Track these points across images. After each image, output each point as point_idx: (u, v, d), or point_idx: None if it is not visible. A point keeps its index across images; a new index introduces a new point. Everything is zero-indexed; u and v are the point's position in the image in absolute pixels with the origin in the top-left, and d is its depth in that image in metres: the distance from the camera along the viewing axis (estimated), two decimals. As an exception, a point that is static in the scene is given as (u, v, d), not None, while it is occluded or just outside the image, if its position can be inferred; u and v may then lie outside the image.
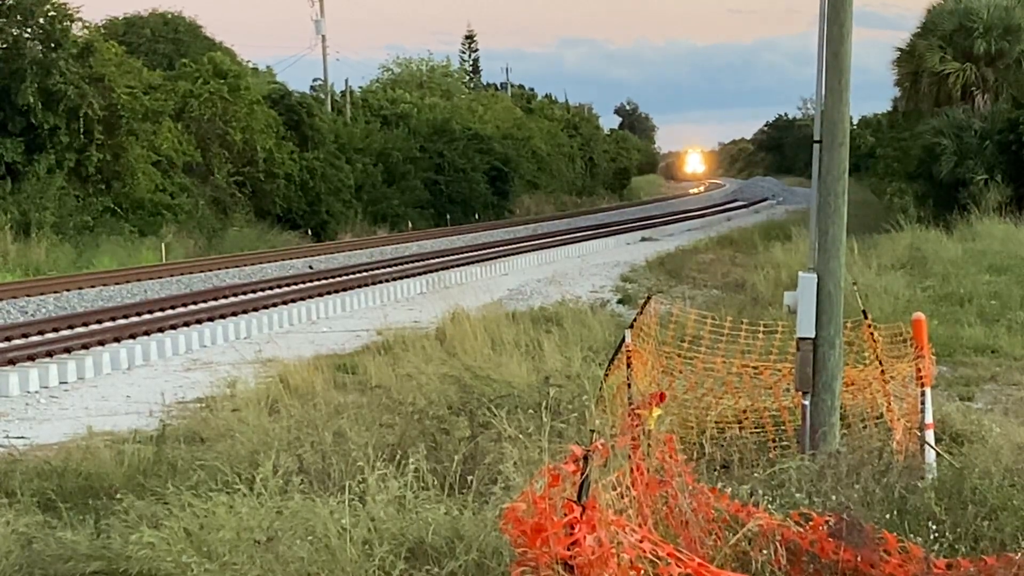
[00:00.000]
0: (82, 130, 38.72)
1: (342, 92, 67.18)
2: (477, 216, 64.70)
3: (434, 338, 16.71)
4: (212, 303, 25.83)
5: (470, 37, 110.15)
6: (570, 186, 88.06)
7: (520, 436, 8.28)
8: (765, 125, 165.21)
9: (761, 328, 10.96)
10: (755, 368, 10.57)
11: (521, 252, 40.77)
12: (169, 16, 60.44)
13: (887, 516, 7.30)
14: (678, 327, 11.23)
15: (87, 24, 41.78)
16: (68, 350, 19.09)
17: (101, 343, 19.89)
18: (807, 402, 9.24)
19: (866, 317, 10.16)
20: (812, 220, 9.52)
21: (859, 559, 6.46)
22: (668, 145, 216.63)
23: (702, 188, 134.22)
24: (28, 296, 26.83)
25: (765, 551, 6.45)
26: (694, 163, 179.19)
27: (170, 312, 24.33)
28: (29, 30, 39.31)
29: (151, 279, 31.29)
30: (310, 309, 25.35)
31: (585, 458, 5.10)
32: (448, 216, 62.33)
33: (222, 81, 48.62)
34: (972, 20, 44.87)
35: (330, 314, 25.68)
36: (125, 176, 41.18)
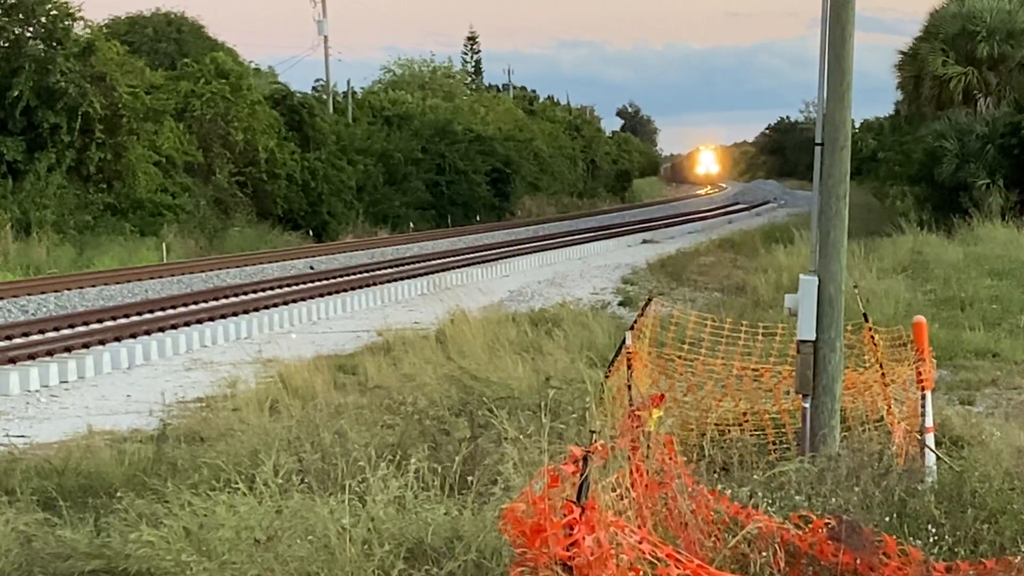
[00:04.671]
0: (82, 129, 38.73)
1: (344, 93, 67.19)
2: (478, 217, 64.68)
3: (434, 339, 16.71)
4: (213, 303, 25.84)
5: (472, 38, 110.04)
6: (571, 188, 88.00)
7: (520, 437, 8.28)
8: (767, 128, 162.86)
9: (761, 331, 10.96)
10: (755, 370, 10.57)
11: (522, 254, 40.76)
12: (172, 16, 60.48)
13: (887, 519, 7.29)
14: (679, 329, 11.23)
15: (89, 23, 41.88)
16: (69, 349, 19.10)
17: (102, 342, 19.89)
18: (807, 405, 9.23)
19: (867, 320, 10.16)
20: (813, 223, 9.51)
21: (858, 562, 6.45)
22: (669, 147, 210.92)
23: (710, 188, 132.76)
24: (29, 295, 26.84)
25: (764, 553, 6.45)
26: (707, 163, 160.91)
27: (171, 312, 24.34)
28: (31, 29, 39.35)
29: (152, 279, 31.30)
30: (311, 309, 25.36)
31: (585, 459, 5.10)
32: (449, 217, 62.31)
33: (224, 81, 48.63)
34: (975, 24, 44.79)
35: (331, 315, 25.68)
36: (126, 175, 41.19)
